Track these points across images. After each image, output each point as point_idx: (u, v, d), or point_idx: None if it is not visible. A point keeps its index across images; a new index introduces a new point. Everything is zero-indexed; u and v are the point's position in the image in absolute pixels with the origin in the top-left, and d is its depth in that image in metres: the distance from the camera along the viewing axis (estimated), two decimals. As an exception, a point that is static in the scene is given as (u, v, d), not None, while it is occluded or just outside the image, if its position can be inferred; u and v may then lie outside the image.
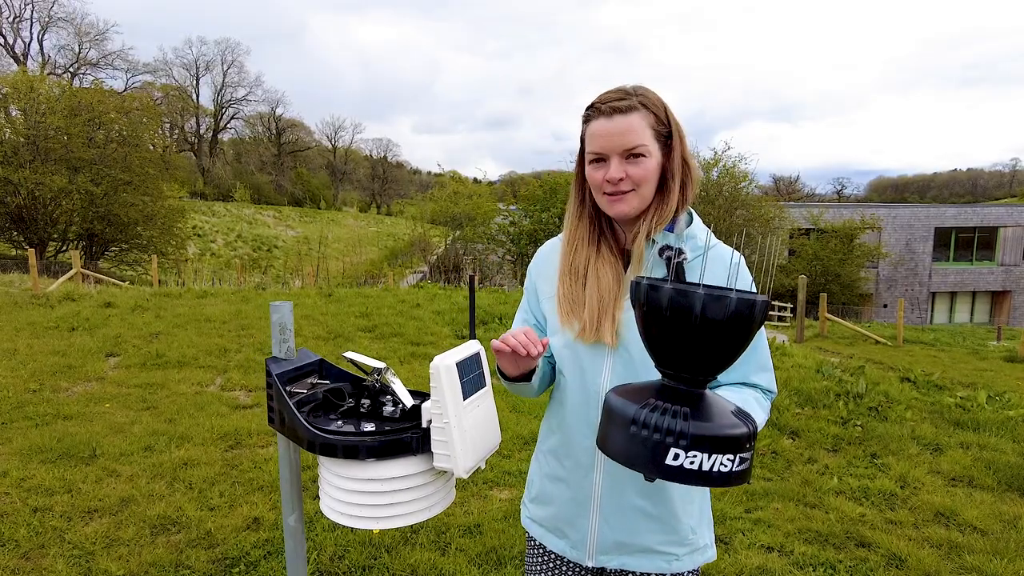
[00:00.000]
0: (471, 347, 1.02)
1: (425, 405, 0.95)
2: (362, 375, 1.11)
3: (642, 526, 1.30)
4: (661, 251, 1.25)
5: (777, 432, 4.88)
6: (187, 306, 9.17)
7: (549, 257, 1.42)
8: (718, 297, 0.81)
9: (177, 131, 50.73)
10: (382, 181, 65.50)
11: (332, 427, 0.98)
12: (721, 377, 1.30)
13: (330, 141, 64.02)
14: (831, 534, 3.28)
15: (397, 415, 1.02)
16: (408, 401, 1.01)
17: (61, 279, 12.07)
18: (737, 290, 0.84)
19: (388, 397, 1.05)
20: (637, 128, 1.22)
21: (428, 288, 12.72)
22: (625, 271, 1.30)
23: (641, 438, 0.85)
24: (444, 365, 0.92)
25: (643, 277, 0.91)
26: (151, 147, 24.83)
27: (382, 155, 67.21)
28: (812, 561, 3.03)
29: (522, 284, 13.81)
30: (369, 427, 0.97)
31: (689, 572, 1.35)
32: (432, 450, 0.94)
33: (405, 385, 1.06)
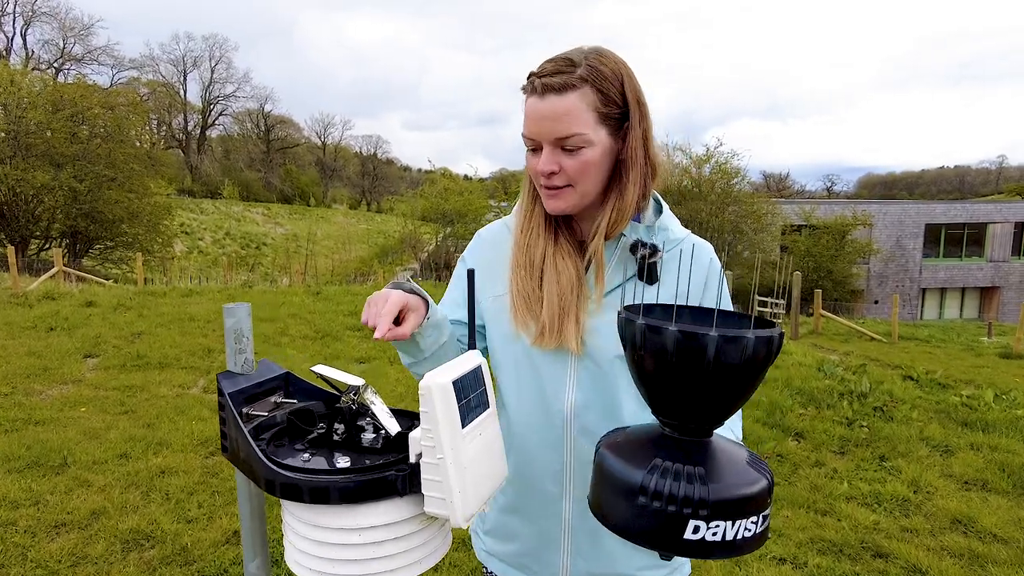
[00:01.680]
0: (470, 359, 0.82)
1: (414, 435, 0.75)
2: (336, 393, 0.92)
3: (619, 552, 1.16)
4: (633, 247, 1.09)
5: (782, 433, 4.71)
6: (171, 305, 8.93)
7: (495, 245, 1.22)
8: (734, 338, 0.67)
9: (164, 128, 50.17)
10: (372, 178, 65.14)
11: (297, 461, 0.78)
12: None
13: (319, 138, 63.61)
14: (846, 544, 3.12)
15: (379, 444, 0.82)
16: (392, 428, 0.81)
17: (42, 277, 11.76)
18: (756, 321, 0.71)
19: (367, 420, 0.85)
20: (573, 112, 1.01)
21: (419, 284, 12.50)
22: (585, 268, 1.12)
23: (652, 511, 0.70)
24: (437, 385, 0.72)
25: (631, 312, 0.75)
26: (137, 143, 24.43)
27: (372, 152, 66.84)
28: (828, 574, 2.86)
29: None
30: (344, 461, 0.77)
31: None
32: (423, 491, 0.74)
33: (391, 404, 0.86)
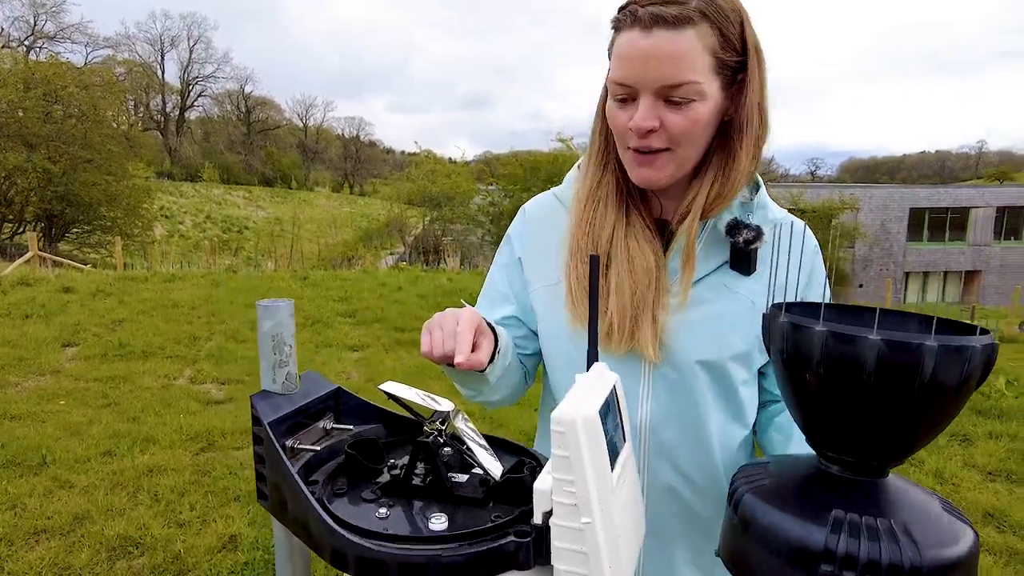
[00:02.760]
0: (602, 375, 0.61)
1: (542, 486, 0.54)
2: (410, 415, 0.70)
3: None
4: (731, 229, 0.89)
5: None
6: (153, 291, 8.60)
7: (546, 223, 1.02)
8: (957, 349, 0.49)
9: (142, 109, 49.01)
10: (355, 160, 64.33)
11: (372, 519, 0.56)
12: (768, 385, 0.99)
13: (301, 120, 62.61)
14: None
15: (479, 494, 0.60)
16: (495, 469, 0.60)
17: (16, 262, 11.33)
18: (980, 331, 0.53)
19: (447, 451, 0.63)
20: (689, 54, 0.81)
21: (409, 270, 12.24)
22: (665, 252, 0.92)
23: None
24: (584, 419, 0.51)
25: (786, 311, 0.57)
26: (114, 124, 23.75)
27: (355, 134, 65.96)
28: None
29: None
30: (438, 521, 0.56)
31: None
32: (554, 564, 0.53)
33: (419, 395, 0.65)
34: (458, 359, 0.73)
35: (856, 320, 0.65)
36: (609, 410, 0.57)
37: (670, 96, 0.82)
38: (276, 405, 0.66)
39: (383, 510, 0.58)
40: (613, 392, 0.60)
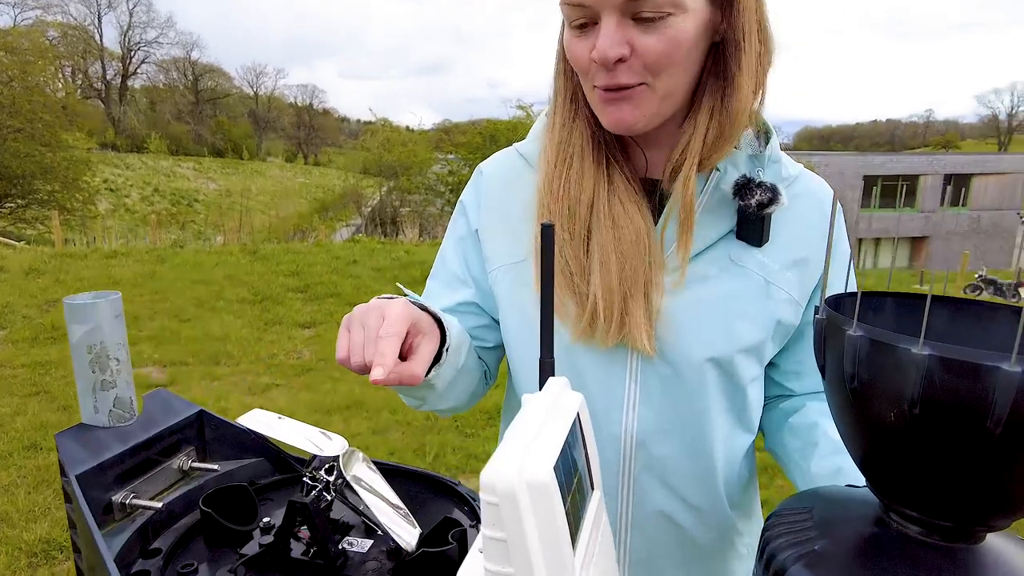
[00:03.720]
0: (563, 402, 0.43)
1: (469, 564, 0.36)
2: (288, 452, 0.51)
3: None
4: (739, 189, 0.73)
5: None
6: (93, 268, 8.13)
7: (508, 186, 0.84)
8: None
9: (80, 76, 46.51)
10: (308, 129, 62.59)
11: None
12: (796, 386, 0.83)
13: (251, 88, 60.47)
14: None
15: (384, 571, 0.42)
16: (410, 540, 0.42)
17: (-59, 240, 10.61)
18: None
19: (342, 509, 0.45)
20: None
21: (365, 242, 11.87)
22: (656, 218, 0.75)
23: None
24: (529, 485, 0.33)
25: (834, 306, 0.43)
26: (48, 91, 22.41)
27: (308, 102, 64.06)
28: None
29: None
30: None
31: None
32: None
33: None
34: (375, 375, 0.54)
35: (957, 327, 0.47)
36: (572, 449, 0.39)
37: (639, 12, 0.64)
38: (98, 445, 0.47)
39: (241, 604, 0.40)
40: (576, 423, 0.42)
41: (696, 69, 0.70)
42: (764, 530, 0.48)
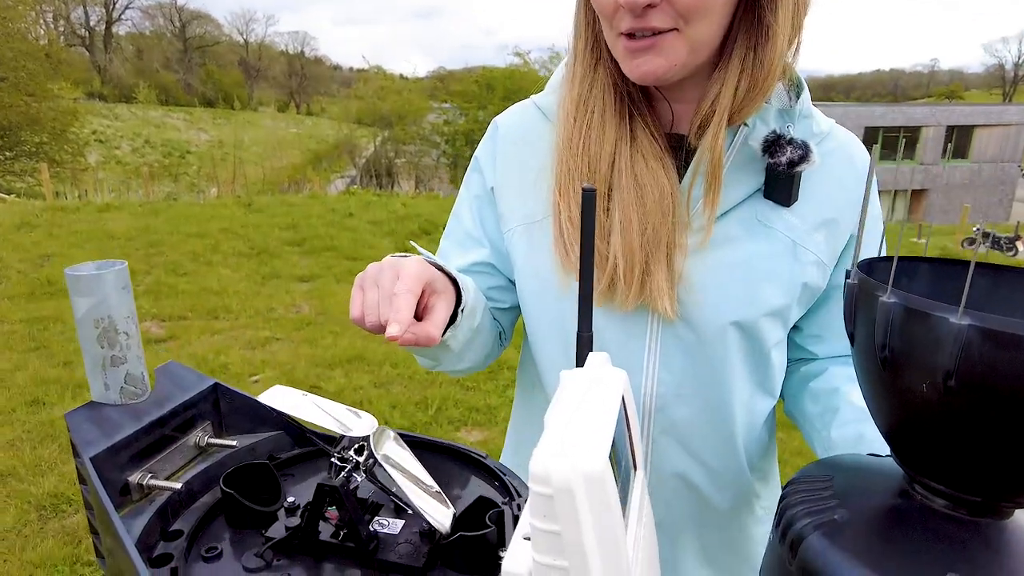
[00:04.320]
0: (608, 380, 0.40)
1: (514, 566, 0.34)
2: (312, 437, 0.49)
3: None
4: (769, 145, 0.69)
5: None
6: (86, 222, 8.04)
7: (525, 141, 0.80)
8: None
9: (62, 22, 45.13)
10: (300, 78, 61.23)
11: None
12: (819, 350, 0.81)
13: (241, 35, 58.85)
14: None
15: (419, 556, 0.40)
16: (444, 520, 0.40)
17: (-70, 192, 10.44)
18: None
19: (369, 487, 0.43)
20: None
21: (360, 195, 11.75)
22: (680, 176, 0.72)
23: None
24: (585, 478, 0.30)
25: (868, 271, 0.40)
26: (29, 39, 21.76)
27: (299, 50, 62.46)
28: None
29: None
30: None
31: None
32: None
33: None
34: (391, 332, 0.52)
35: (997, 295, 0.45)
36: (617, 435, 0.37)
37: None
38: (110, 424, 0.44)
39: (271, 594, 0.38)
40: (622, 403, 0.40)
41: (729, 16, 0.66)
42: (782, 497, 0.46)
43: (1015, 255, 12.62)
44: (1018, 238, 13.31)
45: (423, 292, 0.59)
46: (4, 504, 2.56)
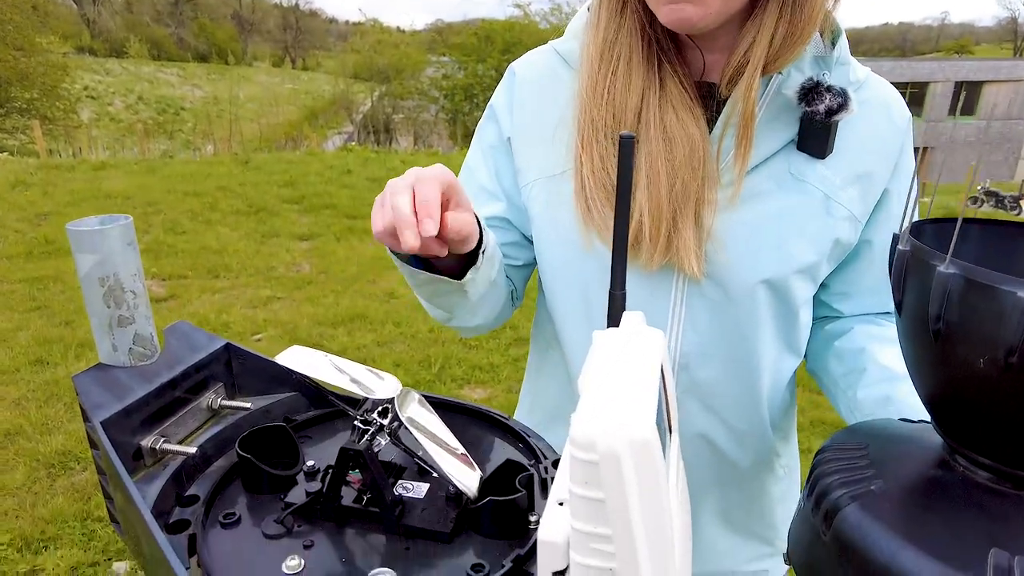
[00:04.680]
0: (644, 340, 0.38)
1: (551, 534, 0.32)
2: (334, 399, 0.47)
3: (722, 546, 0.83)
4: (806, 93, 0.65)
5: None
6: (82, 180, 7.95)
7: (544, 89, 0.76)
8: None
9: (48, -28, 43.87)
10: (295, 32, 59.88)
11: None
12: (845, 307, 0.78)
13: (233, -14, 57.27)
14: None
15: (446, 522, 0.39)
16: (472, 484, 0.38)
17: (-78, 150, 10.29)
18: None
19: (391, 449, 0.41)
20: None
21: (358, 151, 11.58)
22: (711, 126, 0.68)
23: None
24: (632, 444, 0.28)
25: (916, 234, 0.38)
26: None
27: (294, 2, 60.95)
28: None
29: (462, 146, 12.66)
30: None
31: None
32: None
33: (342, 369, 0.42)
34: (426, 229, 0.48)
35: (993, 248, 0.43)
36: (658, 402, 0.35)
37: None
38: (120, 387, 0.42)
39: (294, 559, 0.37)
40: (661, 367, 0.37)
41: None
42: (815, 465, 0.45)
43: (1020, 214, 12.55)
44: (1022, 197, 13.19)
45: (447, 201, 0.56)
46: (13, 462, 2.58)
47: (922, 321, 0.37)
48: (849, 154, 0.70)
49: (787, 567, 0.89)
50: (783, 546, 0.88)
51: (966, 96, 29.48)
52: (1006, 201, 13.25)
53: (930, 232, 0.43)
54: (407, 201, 0.50)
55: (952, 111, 29.53)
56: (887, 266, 0.76)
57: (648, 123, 0.67)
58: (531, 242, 0.80)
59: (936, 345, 0.37)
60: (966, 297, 0.34)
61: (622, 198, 0.38)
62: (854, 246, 0.74)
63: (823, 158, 0.68)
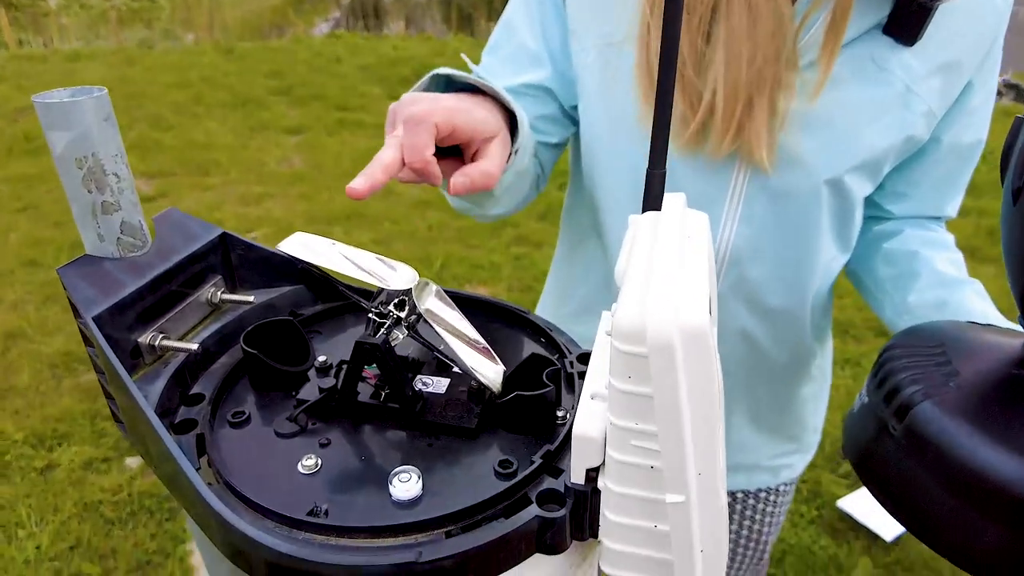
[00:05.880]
0: (689, 224, 0.34)
1: (586, 428, 0.30)
2: (344, 290, 0.44)
3: (749, 441, 0.83)
4: None
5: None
6: (56, 72, 7.60)
7: None
8: None
9: None
10: (272, -93, 55.36)
11: (293, 484, 0.33)
12: (897, 208, 0.74)
13: None
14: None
15: (470, 418, 0.37)
16: (496, 378, 0.36)
17: None
18: None
19: (407, 344, 0.38)
20: None
21: (347, 37, 11.00)
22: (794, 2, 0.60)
23: None
24: (683, 334, 0.25)
25: None
26: None
27: None
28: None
29: (457, 30, 11.98)
30: (406, 482, 0.32)
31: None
32: (605, 542, 0.31)
33: (351, 257, 0.39)
34: (413, 160, 0.45)
35: None
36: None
37: None
38: (111, 280, 0.39)
39: (310, 458, 0.35)
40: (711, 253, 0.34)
41: None
42: (883, 361, 0.43)
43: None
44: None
45: (471, 142, 0.51)
46: (17, 363, 2.60)
47: None
48: (938, 40, 0.62)
49: (807, 461, 0.90)
50: (810, 442, 0.89)
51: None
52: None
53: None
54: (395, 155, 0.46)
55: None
56: (950, 166, 0.71)
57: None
58: (571, 117, 0.73)
59: None
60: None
61: (666, 60, 0.33)
62: (923, 144, 0.69)
63: (911, 45, 0.61)
